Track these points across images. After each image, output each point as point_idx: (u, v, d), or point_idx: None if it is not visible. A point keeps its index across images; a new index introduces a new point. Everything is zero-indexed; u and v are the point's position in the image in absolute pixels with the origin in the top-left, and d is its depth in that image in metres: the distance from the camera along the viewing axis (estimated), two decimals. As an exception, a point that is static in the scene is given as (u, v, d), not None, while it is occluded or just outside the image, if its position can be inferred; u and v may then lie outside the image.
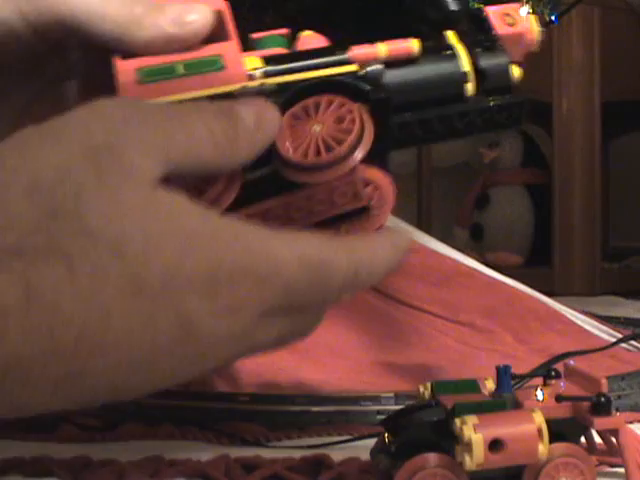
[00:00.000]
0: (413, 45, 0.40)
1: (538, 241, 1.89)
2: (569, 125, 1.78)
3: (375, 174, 0.40)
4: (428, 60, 0.40)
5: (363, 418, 0.57)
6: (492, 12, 0.44)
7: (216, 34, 0.40)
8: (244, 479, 0.46)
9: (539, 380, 0.44)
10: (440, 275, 0.86)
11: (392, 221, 0.93)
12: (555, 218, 1.79)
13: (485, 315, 0.83)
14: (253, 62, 0.39)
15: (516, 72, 0.42)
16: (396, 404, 0.58)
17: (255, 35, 0.44)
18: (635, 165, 2.16)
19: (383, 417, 0.42)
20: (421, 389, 0.43)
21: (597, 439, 0.44)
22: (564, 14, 1.09)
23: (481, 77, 0.40)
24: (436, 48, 0.41)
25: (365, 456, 0.44)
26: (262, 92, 0.38)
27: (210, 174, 0.34)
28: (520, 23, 0.44)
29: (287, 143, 0.37)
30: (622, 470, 0.41)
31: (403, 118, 0.40)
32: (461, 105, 0.40)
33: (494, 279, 0.90)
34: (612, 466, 0.45)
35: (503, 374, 0.41)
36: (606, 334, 0.86)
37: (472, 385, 0.42)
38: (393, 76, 0.40)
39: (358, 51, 0.39)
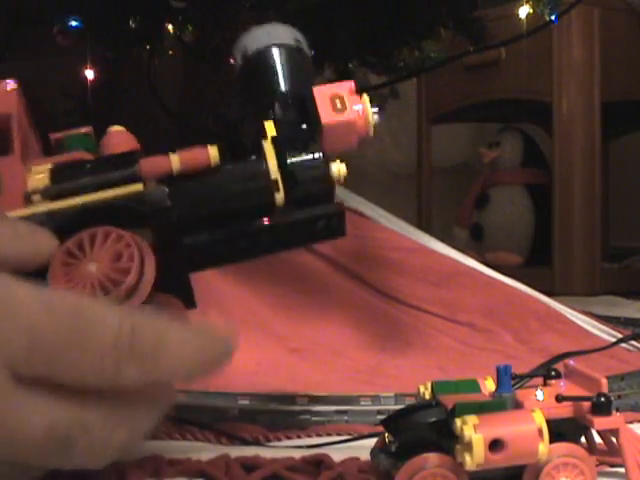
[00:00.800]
0: (211, 153, 0.35)
1: (538, 241, 1.90)
2: (569, 125, 1.78)
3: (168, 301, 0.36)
4: (230, 169, 0.36)
5: (363, 418, 0.57)
6: (321, 95, 0.39)
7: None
8: (244, 479, 0.46)
9: (539, 380, 0.44)
10: (440, 275, 0.86)
11: (392, 221, 0.94)
12: (555, 218, 1.79)
13: (485, 315, 0.83)
14: (36, 180, 0.35)
15: (340, 170, 0.37)
16: (396, 404, 0.58)
17: (56, 136, 0.41)
18: (635, 165, 2.16)
19: (383, 417, 0.42)
20: (421, 389, 0.43)
21: (597, 439, 0.44)
22: (564, 14, 1.09)
23: (293, 184, 0.36)
24: (241, 153, 0.37)
25: (365, 456, 0.44)
26: (37, 219, 0.34)
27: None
28: (351, 109, 0.39)
29: (61, 285, 0.33)
30: (622, 470, 0.41)
31: (198, 239, 0.35)
32: (267, 220, 0.36)
33: (494, 279, 0.90)
34: (612, 466, 0.45)
35: (503, 374, 0.41)
36: (606, 334, 0.86)
37: (472, 385, 0.42)
38: (185, 191, 0.35)
39: (148, 164, 0.35)
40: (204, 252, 0.36)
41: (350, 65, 1.20)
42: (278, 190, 0.36)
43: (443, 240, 0.94)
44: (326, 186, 0.36)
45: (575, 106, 1.78)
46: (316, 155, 0.36)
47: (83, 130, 0.41)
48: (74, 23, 1.06)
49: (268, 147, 0.37)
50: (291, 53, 0.43)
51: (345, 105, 0.39)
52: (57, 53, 1.19)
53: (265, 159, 0.36)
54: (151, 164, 0.35)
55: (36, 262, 0.32)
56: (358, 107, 0.39)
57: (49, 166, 0.37)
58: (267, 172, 0.36)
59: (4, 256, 0.31)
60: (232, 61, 0.45)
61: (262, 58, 0.43)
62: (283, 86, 0.42)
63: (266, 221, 0.36)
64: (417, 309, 0.82)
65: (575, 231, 1.77)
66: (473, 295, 0.85)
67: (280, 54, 0.43)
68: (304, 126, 0.38)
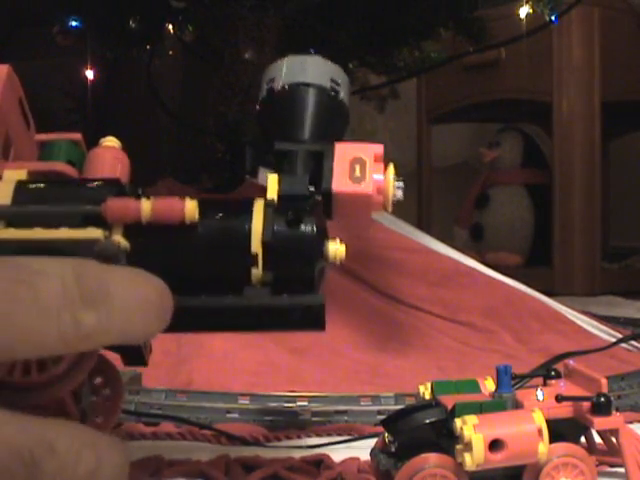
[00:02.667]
0: (187, 208, 0.30)
1: (538, 241, 1.90)
2: (569, 125, 1.78)
3: (106, 366, 0.31)
4: (206, 231, 0.31)
5: (363, 418, 0.57)
6: (342, 156, 0.35)
7: None
8: (244, 479, 0.46)
9: (539, 380, 0.44)
10: (440, 275, 0.87)
11: (392, 221, 0.94)
12: (555, 218, 1.79)
13: (485, 315, 0.83)
14: (1, 190, 0.31)
15: (337, 252, 0.32)
16: (396, 404, 0.58)
17: (41, 137, 0.37)
18: (635, 165, 2.16)
19: (383, 417, 0.42)
20: (421, 389, 0.43)
21: (597, 439, 0.44)
22: (564, 14, 1.09)
23: (276, 263, 0.31)
24: (225, 214, 0.31)
25: (365, 456, 0.44)
26: None
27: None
28: (370, 179, 0.34)
29: None
30: (622, 470, 0.41)
31: None
32: (238, 299, 0.31)
33: (494, 279, 0.90)
34: (612, 466, 0.45)
35: (503, 374, 0.41)
36: (606, 334, 0.86)
37: (472, 385, 0.42)
38: (148, 248, 0.31)
39: (116, 207, 0.30)
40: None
41: (350, 65, 1.20)
42: (257, 266, 0.31)
43: (443, 240, 0.94)
44: (310, 273, 0.31)
45: (575, 106, 1.78)
46: (312, 229, 0.31)
47: (71, 136, 0.37)
48: (74, 23, 1.06)
49: (257, 213, 0.31)
50: (323, 97, 0.39)
51: (365, 174, 0.34)
52: (57, 53, 1.19)
53: (249, 227, 0.31)
54: (118, 208, 0.30)
55: None
56: (379, 178, 0.34)
57: (22, 174, 0.33)
58: (248, 244, 0.31)
59: None
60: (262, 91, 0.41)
61: (289, 97, 0.39)
62: (304, 134, 0.37)
63: (237, 299, 0.31)
64: (417, 309, 0.82)
65: (575, 231, 1.77)
66: (473, 295, 0.85)
67: (311, 96, 0.39)
68: (312, 188, 0.34)
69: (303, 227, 0.31)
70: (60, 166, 0.35)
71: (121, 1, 1.04)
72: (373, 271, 0.84)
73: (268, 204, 0.32)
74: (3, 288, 0.24)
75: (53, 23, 1.08)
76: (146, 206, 0.30)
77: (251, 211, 0.31)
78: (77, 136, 0.37)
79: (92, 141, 0.38)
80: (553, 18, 1.05)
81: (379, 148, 0.35)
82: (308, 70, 0.40)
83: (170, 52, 1.21)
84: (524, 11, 1.09)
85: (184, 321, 0.30)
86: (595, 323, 0.89)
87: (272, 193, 0.32)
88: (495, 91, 1.89)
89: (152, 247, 0.31)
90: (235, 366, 0.65)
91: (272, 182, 0.33)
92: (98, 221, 0.30)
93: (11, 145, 0.36)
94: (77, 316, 0.25)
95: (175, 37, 1.12)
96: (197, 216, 0.31)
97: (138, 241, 0.31)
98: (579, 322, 0.88)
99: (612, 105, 1.80)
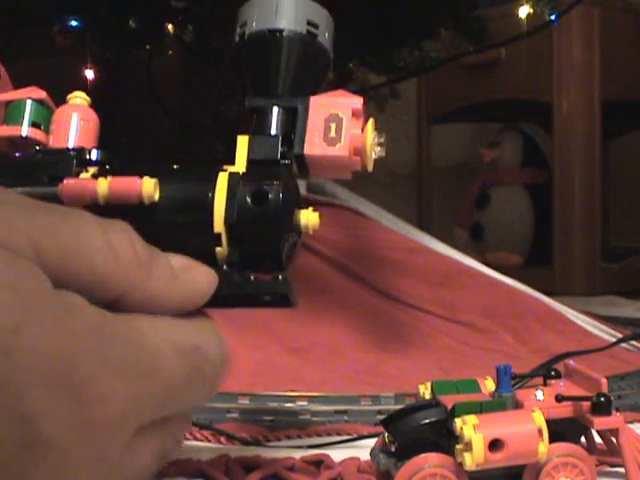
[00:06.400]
0: (144, 187, 0.29)
1: (538, 241, 1.90)
2: (569, 125, 1.78)
3: None
4: (165, 210, 0.30)
5: (363, 418, 0.57)
6: (317, 112, 0.32)
7: None
8: (244, 479, 0.46)
9: (539, 380, 0.44)
10: (440, 275, 0.87)
11: (392, 221, 0.94)
12: (555, 218, 1.79)
13: (485, 315, 0.83)
14: None
15: (309, 220, 0.30)
16: (396, 404, 0.58)
17: (6, 96, 0.35)
18: (635, 165, 2.16)
19: (383, 417, 0.42)
20: (421, 389, 0.43)
21: (597, 439, 0.44)
22: (564, 14, 1.09)
23: (241, 240, 0.29)
24: (187, 190, 0.30)
25: (365, 456, 0.44)
26: None
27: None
28: (345, 141, 0.31)
29: None
30: (622, 470, 0.41)
31: None
32: None
33: (494, 279, 0.90)
34: (612, 466, 0.45)
35: (503, 374, 0.41)
36: (606, 334, 0.86)
37: (472, 385, 0.42)
38: None
39: (72, 186, 0.29)
40: None
41: (350, 65, 1.20)
42: (220, 245, 0.30)
43: (443, 240, 0.94)
44: (279, 247, 0.30)
45: (575, 106, 1.78)
46: (278, 204, 0.29)
47: (36, 95, 0.35)
48: (74, 23, 1.06)
49: (220, 188, 0.30)
50: (298, 45, 0.36)
51: (340, 134, 0.32)
52: (57, 53, 1.19)
53: (212, 207, 0.29)
54: (74, 187, 0.29)
55: (194, 305, 0.28)
56: (356, 137, 0.32)
57: None
58: (211, 224, 0.29)
59: (161, 300, 0.26)
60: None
61: (260, 47, 0.36)
62: (278, 88, 0.35)
63: None
64: (417, 309, 0.82)
65: (575, 231, 1.77)
66: (473, 295, 0.85)
67: (285, 45, 0.35)
68: (286, 149, 0.32)
69: (269, 203, 0.29)
70: (25, 131, 0.34)
71: (121, 1, 1.04)
72: (373, 271, 0.84)
73: (230, 179, 0.30)
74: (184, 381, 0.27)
75: (53, 23, 1.08)
76: (102, 187, 0.29)
77: (214, 185, 0.30)
78: (42, 94, 0.36)
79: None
80: (553, 18, 1.05)
81: (358, 102, 0.33)
82: (281, 13, 0.36)
83: (170, 52, 1.21)
84: (524, 11, 1.09)
85: None
86: (595, 323, 0.89)
87: (240, 161, 0.31)
88: (495, 91, 1.89)
89: None
90: (235, 366, 0.65)
91: (242, 145, 0.31)
92: (56, 203, 0.28)
93: None
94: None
95: (175, 37, 1.12)
96: (156, 196, 0.29)
97: None
98: (579, 322, 0.88)
99: (612, 105, 1.80)
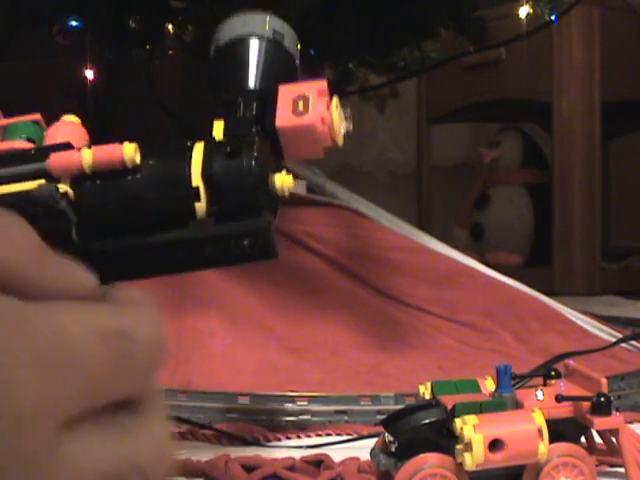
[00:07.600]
0: (125, 152, 0.31)
1: (538, 241, 1.90)
2: (569, 125, 1.78)
3: None
4: (147, 171, 0.32)
5: (363, 418, 0.57)
6: (285, 95, 0.35)
7: None
8: (244, 479, 0.46)
9: (539, 380, 0.44)
10: (440, 275, 0.87)
11: (392, 221, 0.94)
12: (555, 218, 1.79)
13: (485, 315, 0.83)
14: None
15: (284, 182, 0.33)
16: (396, 404, 0.58)
17: (3, 122, 0.38)
18: (635, 165, 2.16)
19: (383, 417, 0.42)
20: (421, 389, 0.43)
21: (597, 439, 0.44)
22: (564, 14, 1.09)
23: (218, 195, 0.32)
24: (163, 155, 0.33)
25: (365, 456, 0.44)
26: None
27: None
28: (313, 113, 0.34)
29: None
30: (622, 470, 0.41)
31: (104, 247, 0.32)
32: (182, 232, 0.32)
33: (494, 279, 0.90)
34: (612, 466, 0.45)
35: (503, 374, 0.41)
36: (606, 334, 0.86)
37: (472, 385, 0.42)
38: (91, 193, 0.32)
39: (57, 159, 0.32)
40: (108, 262, 0.32)
41: (350, 65, 1.20)
42: (199, 200, 0.32)
43: (443, 240, 0.94)
44: (257, 199, 0.32)
45: (575, 106, 1.78)
46: (251, 157, 0.32)
47: (31, 117, 0.38)
48: (74, 23, 1.06)
49: (197, 151, 0.32)
50: (266, 46, 0.40)
51: (307, 108, 0.34)
52: (57, 53, 1.19)
53: (189, 163, 0.32)
54: (61, 160, 0.32)
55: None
56: (322, 109, 0.34)
57: None
58: (188, 178, 0.32)
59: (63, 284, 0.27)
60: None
61: (231, 50, 0.41)
62: (249, 82, 0.39)
63: (181, 232, 0.32)
64: (417, 309, 0.82)
65: (575, 231, 1.77)
66: (473, 295, 0.85)
67: (252, 46, 0.40)
68: (257, 128, 0.34)
69: (242, 157, 0.32)
70: (19, 143, 0.37)
71: (121, 1, 1.04)
72: (373, 271, 0.84)
73: (206, 143, 0.33)
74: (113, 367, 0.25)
75: (53, 23, 1.08)
76: (87, 155, 0.32)
77: (192, 147, 0.33)
78: (37, 116, 0.38)
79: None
80: (553, 18, 1.05)
81: (323, 84, 0.35)
82: (248, 23, 0.41)
83: (170, 52, 1.21)
84: (524, 11, 1.09)
85: (131, 264, 0.32)
86: (595, 323, 0.89)
87: (219, 134, 0.34)
88: (495, 91, 1.89)
89: (99, 195, 0.32)
90: (235, 366, 0.65)
91: (217, 127, 0.34)
92: (46, 177, 0.32)
93: None
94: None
95: (175, 37, 1.12)
96: (138, 158, 0.32)
97: (85, 191, 0.32)
98: (579, 322, 0.88)
99: (612, 105, 1.80)
